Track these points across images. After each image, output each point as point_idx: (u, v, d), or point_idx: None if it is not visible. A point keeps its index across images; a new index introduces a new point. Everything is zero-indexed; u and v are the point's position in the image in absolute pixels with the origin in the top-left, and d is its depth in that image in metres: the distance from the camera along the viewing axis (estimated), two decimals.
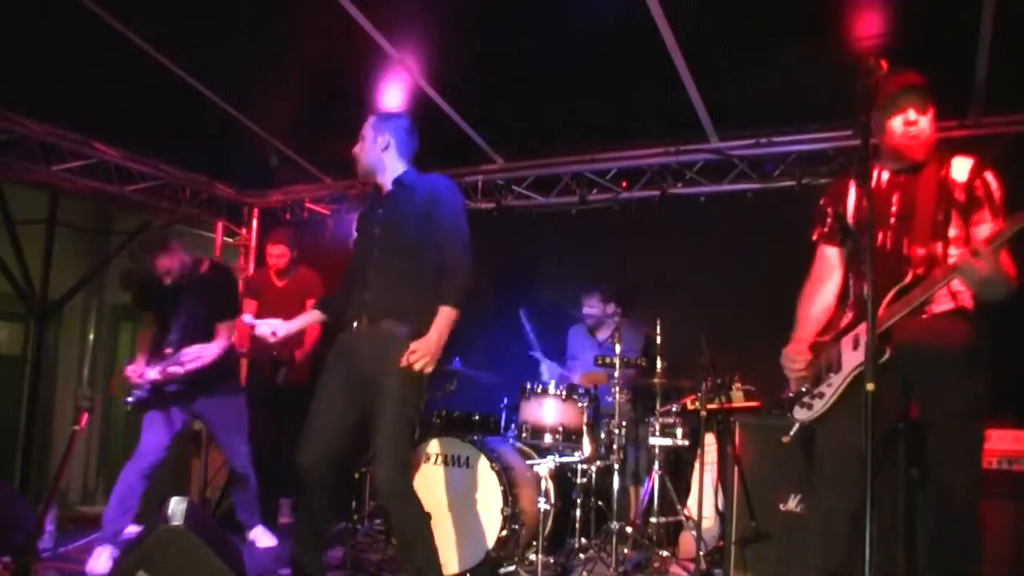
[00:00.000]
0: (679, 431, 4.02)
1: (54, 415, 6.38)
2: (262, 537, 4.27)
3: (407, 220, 2.96)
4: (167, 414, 3.90)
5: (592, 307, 4.80)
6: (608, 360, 4.13)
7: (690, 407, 4.17)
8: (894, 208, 2.43)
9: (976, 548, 2.31)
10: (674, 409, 4.11)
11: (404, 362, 2.78)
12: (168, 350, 3.76)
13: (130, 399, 3.75)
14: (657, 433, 4.01)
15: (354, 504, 4.03)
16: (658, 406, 4.11)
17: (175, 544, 2.65)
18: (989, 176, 2.38)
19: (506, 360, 4.87)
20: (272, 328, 3.03)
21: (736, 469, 3.50)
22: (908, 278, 2.30)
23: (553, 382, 4.11)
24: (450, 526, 3.72)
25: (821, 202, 2.67)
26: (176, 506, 2.78)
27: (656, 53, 3.86)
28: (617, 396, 4.04)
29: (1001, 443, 3.53)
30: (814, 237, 2.67)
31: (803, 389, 2.54)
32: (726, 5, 3.67)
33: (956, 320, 2.35)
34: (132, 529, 3.88)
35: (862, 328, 2.34)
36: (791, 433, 2.59)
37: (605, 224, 5.30)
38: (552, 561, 3.83)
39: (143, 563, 2.61)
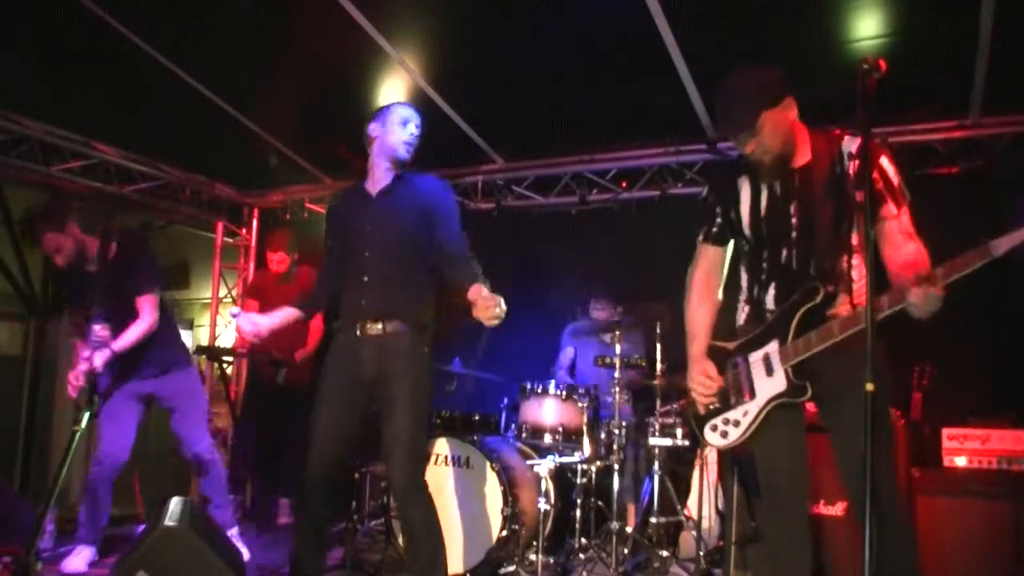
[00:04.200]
0: (679, 431, 4.01)
1: (54, 415, 6.37)
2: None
3: (405, 217, 2.95)
4: (124, 407, 3.74)
5: (602, 310, 4.81)
6: (608, 360, 4.13)
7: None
8: (794, 220, 2.29)
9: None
10: (674, 409, 4.11)
11: (487, 317, 2.62)
12: (94, 336, 3.42)
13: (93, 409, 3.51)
14: (657, 433, 4.01)
15: (354, 504, 4.03)
16: (658, 406, 4.11)
17: (175, 544, 2.65)
18: (885, 162, 2.20)
19: (506, 360, 4.87)
20: (256, 329, 2.98)
21: (736, 469, 3.49)
22: (819, 297, 2.21)
23: (553, 382, 4.11)
24: (450, 526, 3.72)
25: (707, 200, 2.50)
26: (176, 506, 2.78)
27: (656, 53, 3.87)
28: (617, 396, 4.04)
29: (1001, 443, 3.54)
30: (700, 238, 2.52)
31: (712, 408, 2.40)
32: (726, 5, 3.68)
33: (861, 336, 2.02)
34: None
35: (773, 348, 2.26)
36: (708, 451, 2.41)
37: (605, 224, 5.31)
38: (552, 561, 3.83)
39: (143, 563, 2.61)
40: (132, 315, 3.65)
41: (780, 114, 2.22)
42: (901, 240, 2.20)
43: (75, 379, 3.49)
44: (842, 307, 2.23)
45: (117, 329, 3.56)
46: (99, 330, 3.37)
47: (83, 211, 3.70)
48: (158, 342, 3.74)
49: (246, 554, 3.97)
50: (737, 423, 2.33)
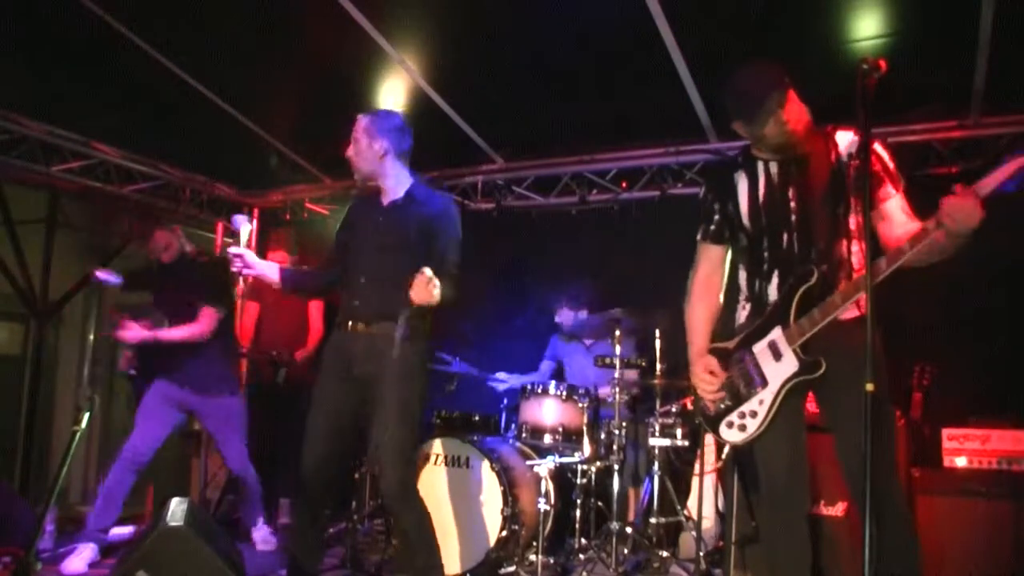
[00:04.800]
0: (679, 431, 4.01)
1: (54, 415, 6.37)
2: (263, 539, 4.27)
3: (410, 229, 2.97)
4: (161, 409, 3.90)
5: (563, 316, 4.81)
6: (608, 360, 4.13)
7: (690, 407, 4.17)
8: (792, 205, 2.33)
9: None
10: (674, 409, 4.11)
11: (416, 294, 2.65)
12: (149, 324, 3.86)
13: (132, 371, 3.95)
14: (657, 433, 4.01)
15: (354, 504, 4.03)
16: (658, 406, 4.11)
17: (175, 544, 2.65)
18: (879, 147, 2.27)
19: (507, 360, 4.87)
20: (244, 268, 3.00)
21: (736, 469, 3.49)
22: (814, 278, 2.23)
23: (553, 382, 4.11)
24: (450, 527, 3.72)
25: (706, 198, 2.51)
26: (176, 506, 2.78)
27: (656, 53, 3.86)
28: (617, 396, 4.04)
29: (1001, 443, 3.54)
30: (699, 236, 2.53)
31: (723, 407, 2.39)
32: (726, 5, 3.68)
33: (862, 327, 1.95)
34: (118, 531, 3.95)
35: (777, 334, 2.28)
36: (723, 456, 2.47)
37: (605, 224, 5.30)
38: (552, 561, 3.83)
39: (143, 563, 2.62)
40: (190, 317, 3.92)
41: (794, 91, 2.27)
42: (904, 219, 2.25)
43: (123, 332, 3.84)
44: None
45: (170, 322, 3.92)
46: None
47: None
48: (205, 359, 3.95)
49: (272, 544, 4.23)
50: (754, 414, 2.32)
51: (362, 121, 3.04)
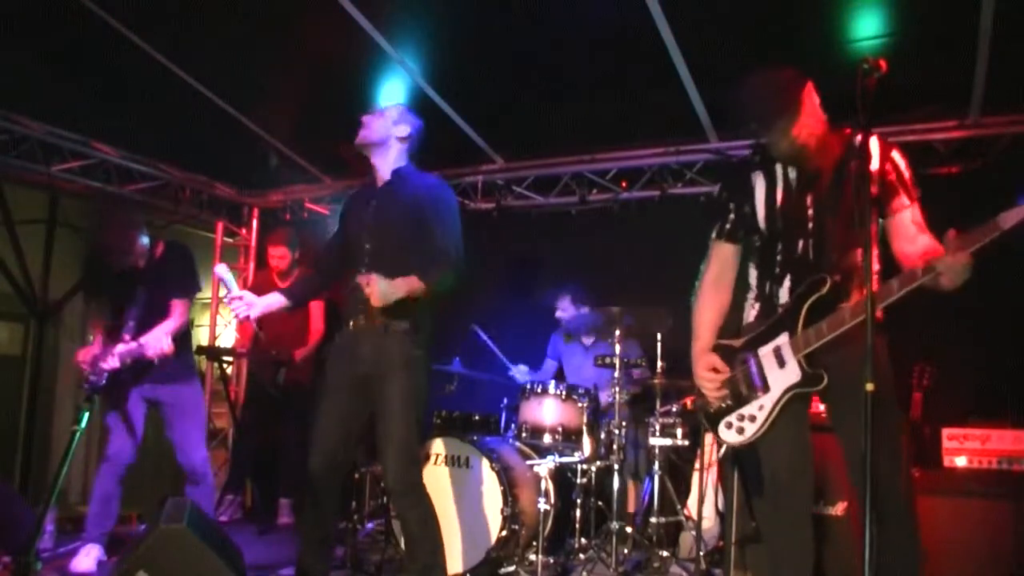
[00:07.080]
0: (679, 431, 4.01)
1: (54, 415, 6.36)
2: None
3: (403, 212, 2.96)
4: (127, 413, 3.75)
5: (564, 310, 4.81)
6: (608, 360, 4.13)
7: (690, 407, 4.17)
8: (810, 212, 2.31)
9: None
10: (674, 409, 4.10)
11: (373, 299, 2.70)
12: (126, 336, 3.59)
13: (86, 385, 3.49)
14: (657, 433, 4.01)
15: (354, 504, 4.03)
16: (658, 406, 4.10)
17: (175, 544, 2.65)
18: (896, 155, 2.25)
19: (506, 360, 4.86)
20: (248, 310, 2.99)
21: (736, 469, 3.49)
22: (825, 288, 2.21)
23: (553, 382, 4.11)
24: (450, 526, 3.72)
25: (722, 196, 2.49)
26: (176, 506, 2.78)
27: (656, 53, 3.87)
28: (617, 396, 4.04)
29: (1001, 443, 3.54)
30: (713, 235, 2.50)
31: (724, 405, 2.37)
32: (726, 5, 3.68)
33: (876, 332, 1.95)
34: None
35: (783, 340, 2.27)
36: (721, 452, 2.47)
37: (605, 224, 5.31)
38: (552, 561, 3.82)
39: (143, 563, 2.61)
40: (161, 316, 3.74)
41: (813, 94, 2.25)
42: (914, 232, 2.22)
43: (89, 362, 3.54)
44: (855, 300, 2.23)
45: (141, 330, 3.65)
46: (128, 337, 3.56)
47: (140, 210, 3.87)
48: (176, 349, 3.78)
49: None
50: (753, 418, 2.31)
51: (400, 107, 3.14)
